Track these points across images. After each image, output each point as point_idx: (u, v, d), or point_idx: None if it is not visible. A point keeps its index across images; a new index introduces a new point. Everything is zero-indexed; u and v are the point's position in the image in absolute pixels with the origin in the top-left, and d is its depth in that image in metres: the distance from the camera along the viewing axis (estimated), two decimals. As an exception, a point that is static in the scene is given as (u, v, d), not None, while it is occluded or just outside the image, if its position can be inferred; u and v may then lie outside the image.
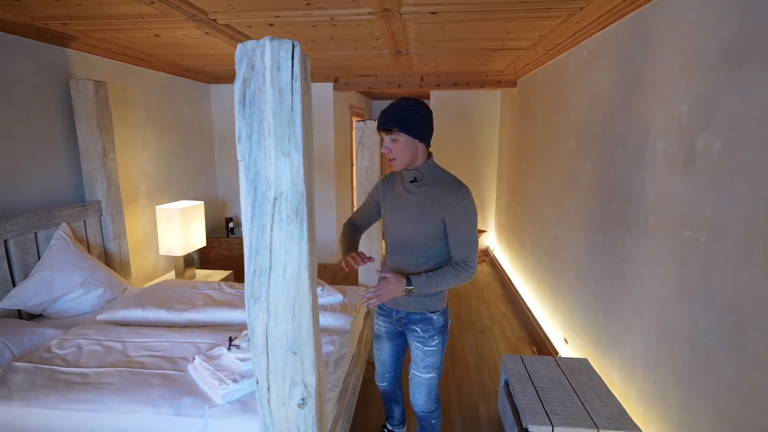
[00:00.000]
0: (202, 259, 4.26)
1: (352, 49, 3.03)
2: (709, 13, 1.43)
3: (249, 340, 1.64)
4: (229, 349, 1.62)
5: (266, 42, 0.86)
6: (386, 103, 6.82)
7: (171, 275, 3.43)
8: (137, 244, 3.26)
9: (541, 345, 3.01)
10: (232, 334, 1.82)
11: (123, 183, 3.02)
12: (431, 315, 1.61)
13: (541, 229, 3.27)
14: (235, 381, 1.47)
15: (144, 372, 1.60)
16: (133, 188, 3.23)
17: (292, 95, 0.89)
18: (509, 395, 2.08)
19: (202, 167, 4.44)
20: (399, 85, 4.38)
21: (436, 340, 1.62)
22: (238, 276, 4.07)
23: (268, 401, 1.03)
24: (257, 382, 1.03)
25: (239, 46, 0.91)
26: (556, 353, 2.76)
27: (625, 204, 1.97)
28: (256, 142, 0.92)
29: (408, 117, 1.46)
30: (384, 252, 1.85)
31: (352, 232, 1.83)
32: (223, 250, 4.19)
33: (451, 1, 1.99)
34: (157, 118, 3.55)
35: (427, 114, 1.51)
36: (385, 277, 1.52)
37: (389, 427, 2.05)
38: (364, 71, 4.06)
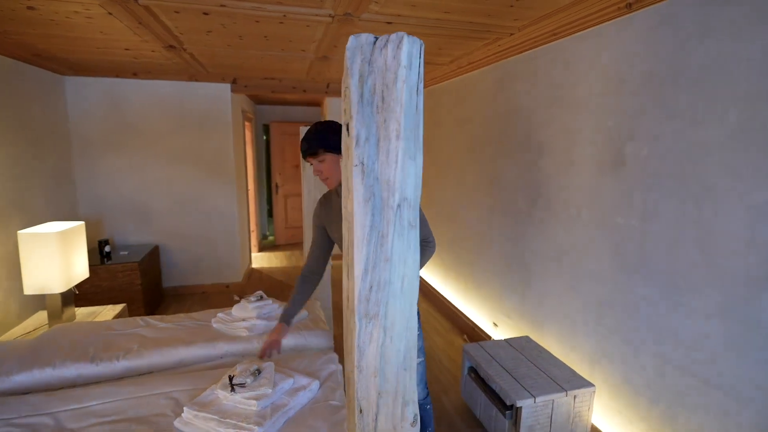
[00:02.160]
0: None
1: (279, 50, 2.85)
2: (631, 48, 1.85)
3: (254, 374, 1.43)
4: (232, 390, 1.37)
5: (404, 37, 0.80)
6: (271, 108, 6.51)
7: (36, 319, 2.64)
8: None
9: (470, 332, 3.33)
10: (227, 373, 1.54)
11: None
12: None
13: (460, 229, 3.61)
14: (259, 425, 1.26)
15: (113, 444, 1.24)
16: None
17: (418, 95, 0.85)
18: (479, 380, 2.26)
19: (61, 179, 3.53)
20: (304, 90, 4.27)
21: (418, 324, 1.70)
22: (134, 309, 3.37)
23: (374, 429, 0.94)
24: (360, 412, 0.93)
25: (352, 38, 0.81)
26: (489, 337, 3.09)
27: (555, 201, 2.36)
28: (374, 145, 0.84)
29: (326, 137, 1.58)
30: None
31: (301, 292, 1.78)
32: (101, 280, 3.39)
33: (410, 14, 2.08)
34: None
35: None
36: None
37: None
38: (271, 74, 3.83)
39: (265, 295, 2.15)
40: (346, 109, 0.85)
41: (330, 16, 2.09)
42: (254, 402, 1.34)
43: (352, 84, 0.82)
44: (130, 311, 3.43)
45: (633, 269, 1.88)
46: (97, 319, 2.72)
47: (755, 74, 1.39)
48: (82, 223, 2.71)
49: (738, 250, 1.47)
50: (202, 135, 4.11)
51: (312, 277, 1.81)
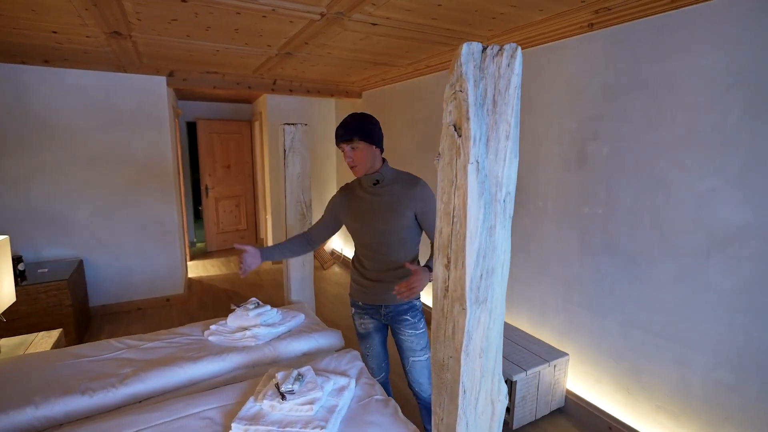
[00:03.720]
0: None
1: (243, 44, 2.70)
2: (592, 61, 2.16)
3: (298, 379, 1.39)
4: (283, 399, 1.32)
5: (518, 48, 0.89)
6: (195, 104, 6.01)
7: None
8: None
9: (435, 322, 3.51)
10: (271, 382, 1.46)
11: None
12: (415, 301, 1.79)
13: (417, 224, 3.77)
14: (322, 427, 1.24)
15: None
16: None
17: (516, 99, 0.94)
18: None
19: (-47, 186, 2.89)
20: (249, 87, 4.06)
21: (422, 321, 1.79)
22: (70, 333, 2.91)
23: (475, 407, 1.01)
24: (464, 393, 1.00)
25: (465, 45, 0.88)
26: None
27: (522, 195, 2.63)
28: (484, 144, 0.91)
29: (363, 127, 1.65)
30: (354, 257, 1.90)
31: (289, 245, 1.94)
32: (19, 303, 2.86)
33: (398, 18, 2.15)
34: None
35: (377, 123, 1.72)
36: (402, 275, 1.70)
37: None
38: (215, 68, 3.57)
39: (261, 302, 2.05)
40: (457, 111, 0.91)
41: (321, 14, 2.07)
42: (309, 406, 1.31)
43: (469, 88, 0.88)
44: (72, 337, 2.96)
45: (598, 250, 2.20)
46: (30, 350, 2.32)
47: (698, 88, 1.75)
48: (6, 237, 2.28)
49: (687, 228, 1.83)
50: (133, 133, 3.67)
51: (307, 245, 1.95)
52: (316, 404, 1.32)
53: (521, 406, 2.21)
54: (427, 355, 1.79)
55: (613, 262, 2.13)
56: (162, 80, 3.69)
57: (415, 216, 1.68)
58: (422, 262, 2.09)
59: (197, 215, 6.71)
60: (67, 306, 3.01)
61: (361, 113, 1.69)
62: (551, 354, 2.34)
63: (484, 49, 0.90)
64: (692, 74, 1.76)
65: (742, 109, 1.62)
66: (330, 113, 5.50)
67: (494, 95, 0.90)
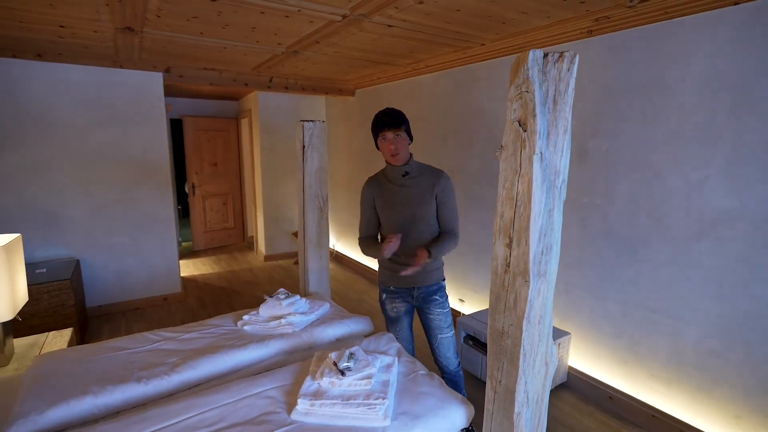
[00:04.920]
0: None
1: (254, 42, 2.74)
2: (591, 64, 2.36)
3: (351, 358, 1.50)
4: (342, 374, 1.42)
5: (577, 55, 1.03)
6: (180, 101, 5.89)
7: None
8: None
9: (436, 311, 3.66)
10: (325, 362, 1.55)
11: None
12: (443, 283, 2.01)
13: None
14: (383, 397, 1.36)
15: (243, 446, 1.20)
16: None
17: (572, 98, 1.08)
18: (478, 345, 2.59)
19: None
20: (246, 84, 4.06)
21: (447, 300, 2.00)
22: (79, 333, 2.86)
23: (533, 363, 1.16)
24: (524, 355, 1.14)
25: (531, 53, 1.03)
26: (460, 314, 3.47)
27: (523, 187, 2.81)
28: (545, 138, 1.05)
29: (405, 119, 1.85)
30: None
31: (374, 241, 2.00)
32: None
33: (415, 21, 2.27)
34: None
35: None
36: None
37: None
38: (214, 64, 3.57)
39: (289, 292, 2.13)
40: (522, 109, 1.05)
41: (343, 15, 2.16)
42: (367, 381, 1.41)
43: (535, 89, 1.02)
44: (82, 336, 2.90)
45: (597, 237, 2.41)
46: (45, 350, 2.30)
47: (689, 90, 1.97)
48: (18, 235, 2.24)
49: (679, 214, 2.05)
50: (130, 130, 3.61)
51: (372, 237, 2.02)
52: (373, 379, 1.43)
53: (530, 382, 2.39)
54: (452, 332, 1.97)
55: (612, 247, 2.35)
56: (159, 76, 3.65)
57: (437, 204, 1.86)
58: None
59: (182, 214, 6.58)
60: (70, 306, 2.96)
61: (398, 109, 1.84)
62: (554, 334, 2.53)
63: (546, 55, 1.04)
64: (683, 78, 1.98)
65: (728, 110, 1.85)
66: (320, 110, 5.54)
67: (555, 95, 1.05)
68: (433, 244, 1.82)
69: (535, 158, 1.04)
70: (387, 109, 1.84)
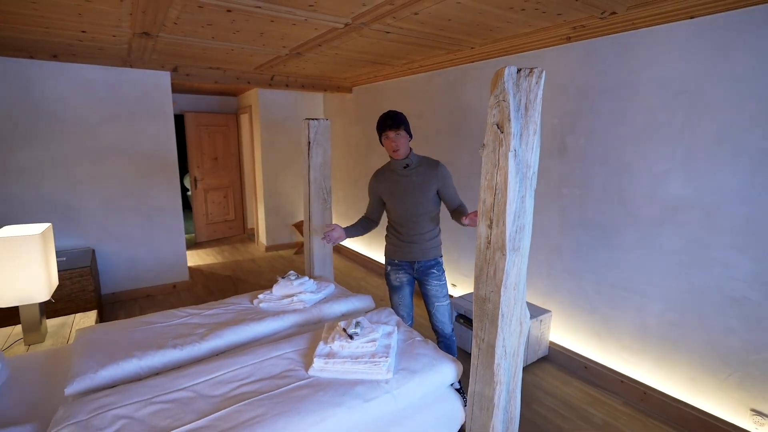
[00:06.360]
0: None
1: (260, 45, 2.95)
2: (570, 68, 2.60)
3: (358, 326, 1.75)
4: (351, 338, 1.67)
5: (544, 71, 1.27)
6: (181, 96, 6.04)
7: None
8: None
9: (430, 296, 3.93)
10: (335, 329, 1.80)
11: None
12: (440, 259, 2.31)
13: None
14: (386, 356, 1.61)
15: (270, 395, 1.45)
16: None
17: (540, 106, 1.33)
18: (468, 323, 2.86)
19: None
20: (248, 82, 4.27)
21: (444, 275, 2.31)
22: (91, 318, 3.08)
23: (510, 323, 1.41)
24: (502, 316, 1.39)
25: (506, 69, 1.26)
26: (452, 297, 3.74)
27: (510, 179, 3.06)
28: (519, 138, 1.30)
29: (405, 120, 2.16)
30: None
31: (363, 223, 2.38)
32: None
33: (410, 28, 2.50)
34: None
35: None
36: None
37: None
38: (219, 64, 3.77)
39: (299, 274, 2.37)
40: (500, 114, 1.29)
41: (345, 24, 2.38)
42: (372, 343, 1.67)
43: (510, 99, 1.27)
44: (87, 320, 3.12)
45: (575, 224, 2.68)
46: (75, 328, 2.53)
47: (653, 93, 2.23)
48: (49, 225, 2.45)
49: (645, 203, 2.32)
50: (139, 126, 3.81)
51: (371, 223, 2.39)
52: (377, 342, 1.68)
53: (515, 354, 2.66)
54: (447, 302, 2.29)
55: (588, 233, 2.61)
56: (166, 75, 3.84)
57: (437, 190, 2.16)
58: (439, 223, 2.42)
59: (184, 206, 6.77)
60: (91, 291, 3.18)
61: (399, 111, 2.16)
62: (537, 312, 2.81)
63: (519, 71, 1.28)
64: (648, 82, 2.24)
65: (685, 111, 2.11)
66: (318, 106, 5.75)
67: (526, 103, 1.29)
68: (462, 213, 2.11)
69: (510, 155, 1.29)
70: (389, 111, 2.14)
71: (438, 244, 2.30)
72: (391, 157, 2.19)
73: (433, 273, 2.25)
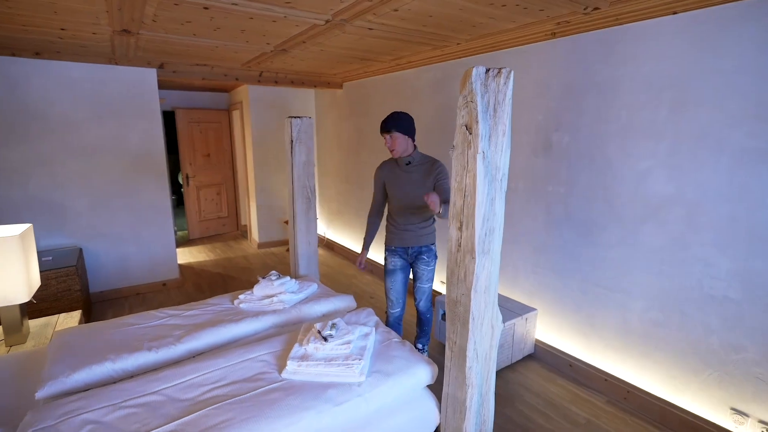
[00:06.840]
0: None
1: (243, 41, 2.92)
2: (554, 64, 2.57)
3: (333, 327, 1.74)
4: (325, 341, 1.66)
5: (512, 71, 1.25)
6: (171, 93, 6.01)
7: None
8: None
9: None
10: (311, 331, 1.79)
11: None
12: (431, 246, 2.51)
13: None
14: (360, 359, 1.60)
15: (241, 399, 1.44)
16: None
17: (510, 106, 1.30)
18: (454, 322, 2.85)
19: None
20: (236, 78, 4.22)
21: (434, 262, 2.51)
22: (85, 317, 3.07)
23: (481, 326, 1.40)
24: (473, 320, 1.38)
25: (474, 69, 1.24)
26: (440, 294, 3.73)
27: (496, 177, 3.05)
28: (488, 139, 1.28)
29: (399, 123, 2.31)
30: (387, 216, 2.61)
31: (373, 228, 2.61)
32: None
33: (393, 24, 2.47)
34: None
35: (410, 119, 2.37)
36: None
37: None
38: (206, 60, 3.73)
39: (280, 274, 2.36)
40: (468, 115, 1.27)
41: (326, 20, 2.35)
42: (347, 346, 1.66)
43: (477, 100, 1.25)
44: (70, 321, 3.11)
45: (561, 222, 2.66)
46: (57, 329, 2.52)
47: (637, 90, 2.20)
48: (31, 225, 2.44)
49: (628, 200, 2.30)
50: (126, 124, 3.78)
51: (377, 219, 2.61)
52: (352, 344, 1.68)
53: (499, 353, 2.66)
54: (429, 285, 2.51)
55: (573, 230, 2.60)
56: (152, 72, 3.80)
57: (434, 186, 2.34)
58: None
59: (176, 204, 6.75)
60: (77, 291, 3.17)
61: (401, 112, 2.33)
62: (523, 310, 2.80)
63: (487, 71, 1.26)
64: (632, 79, 2.21)
65: (668, 108, 2.08)
66: (310, 102, 5.71)
67: (495, 104, 1.27)
68: (443, 206, 2.15)
69: (479, 157, 1.27)
70: (391, 113, 2.32)
71: (431, 232, 2.50)
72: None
73: (423, 258, 2.47)
